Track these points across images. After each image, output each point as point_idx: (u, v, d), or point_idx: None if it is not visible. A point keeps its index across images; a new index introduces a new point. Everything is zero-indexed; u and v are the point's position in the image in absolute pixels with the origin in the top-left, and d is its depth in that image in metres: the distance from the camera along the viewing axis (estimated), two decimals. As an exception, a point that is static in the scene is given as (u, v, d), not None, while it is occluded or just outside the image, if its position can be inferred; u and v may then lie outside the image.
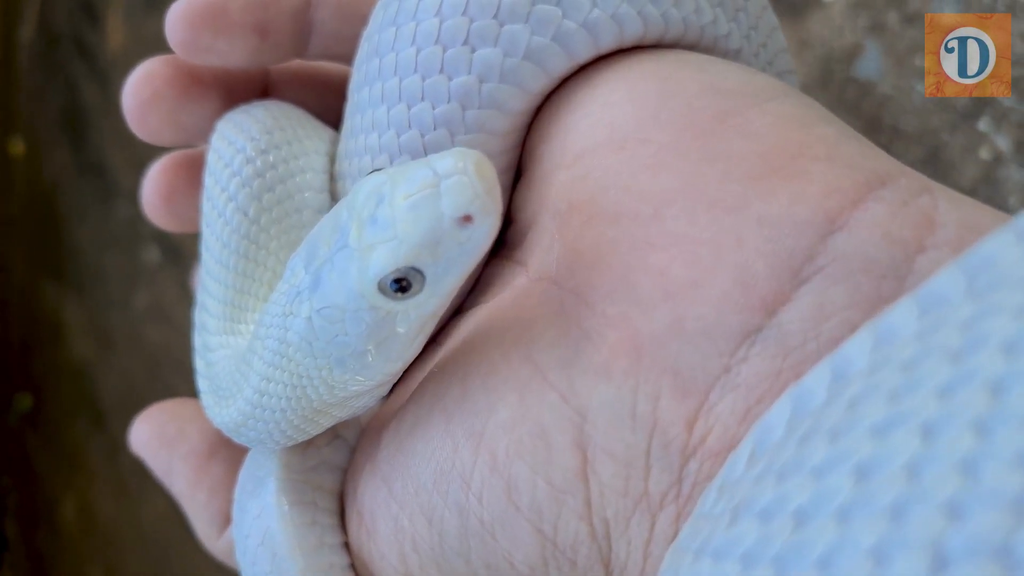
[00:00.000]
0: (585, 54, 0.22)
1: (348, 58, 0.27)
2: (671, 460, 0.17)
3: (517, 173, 0.24)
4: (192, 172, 0.28)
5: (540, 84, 0.22)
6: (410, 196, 0.18)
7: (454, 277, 0.18)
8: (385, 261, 0.18)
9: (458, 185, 0.17)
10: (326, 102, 0.29)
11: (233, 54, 0.25)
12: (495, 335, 0.20)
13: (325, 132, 0.27)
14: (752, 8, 0.24)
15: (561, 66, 0.22)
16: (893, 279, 0.16)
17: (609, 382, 0.18)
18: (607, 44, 0.22)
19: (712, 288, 0.17)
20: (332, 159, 0.26)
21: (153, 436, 0.27)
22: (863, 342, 0.14)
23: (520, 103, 0.22)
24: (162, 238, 0.89)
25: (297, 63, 0.29)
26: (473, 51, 0.22)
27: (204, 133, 0.27)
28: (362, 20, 0.25)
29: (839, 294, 0.16)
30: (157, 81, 0.26)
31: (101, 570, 1.11)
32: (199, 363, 0.24)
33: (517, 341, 0.20)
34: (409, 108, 0.23)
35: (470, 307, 0.23)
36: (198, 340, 0.25)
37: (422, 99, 0.22)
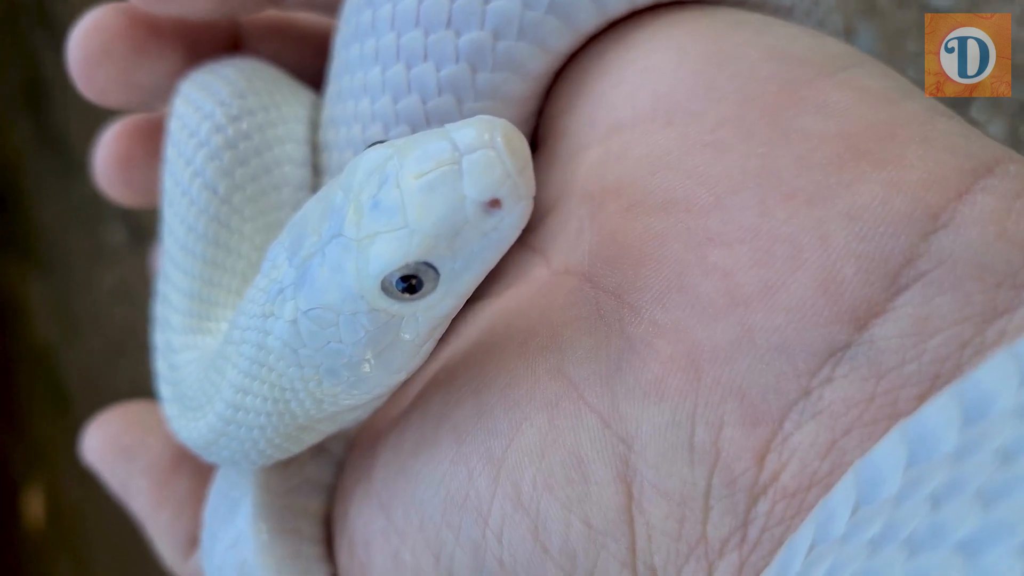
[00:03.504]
0: (619, 6, 0.18)
1: (332, 8, 0.23)
2: (736, 500, 0.14)
3: (532, 148, 0.21)
4: (152, 139, 0.24)
5: (565, 42, 0.19)
6: (424, 175, 0.14)
7: (474, 274, 0.15)
8: (391, 255, 0.15)
9: (484, 162, 0.14)
10: (305, 60, 0.25)
11: (197, 2, 0.22)
12: (514, 339, 0.17)
13: (305, 95, 0.23)
14: None
15: (591, 20, 0.19)
16: (1010, 288, 0.14)
17: (661, 404, 0.15)
18: None
19: (790, 294, 0.14)
20: (314, 127, 0.23)
21: (108, 446, 0.24)
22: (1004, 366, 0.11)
23: (541, 64, 0.19)
24: (128, 216, 0.85)
25: (271, 14, 0.25)
26: (487, 2, 0.18)
27: (163, 95, 0.23)
28: None
29: (945, 305, 0.14)
30: (107, 33, 0.22)
31: (70, 559, 1.08)
32: (161, 365, 0.21)
33: (544, 349, 0.17)
34: (409, 69, 0.19)
35: (478, 297, 0.20)
36: (160, 338, 0.21)
37: (425, 59, 0.19)
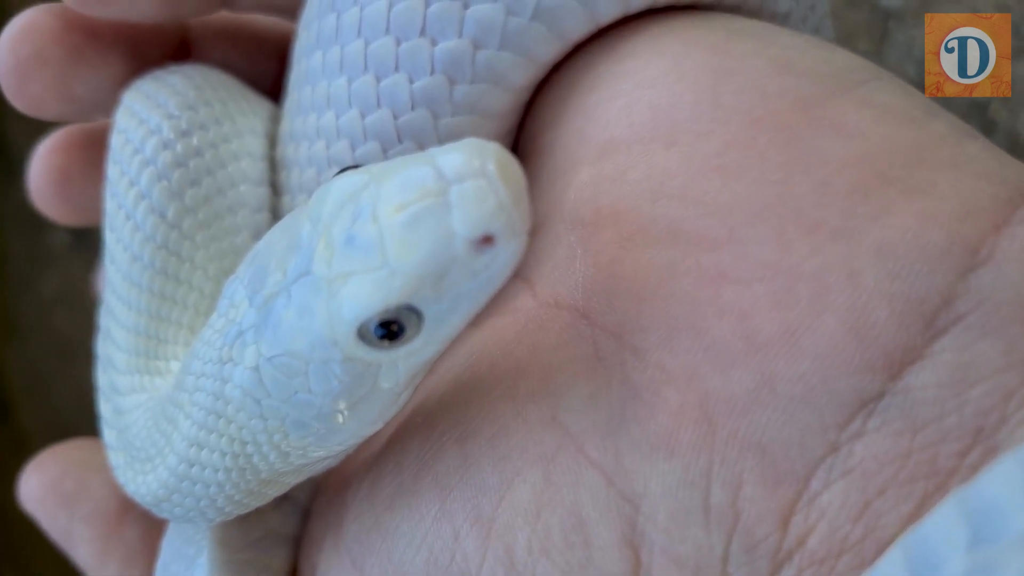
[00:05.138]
0: (610, 12, 0.17)
1: (291, 10, 0.21)
2: (757, 568, 0.13)
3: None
4: (93, 152, 0.22)
5: (552, 51, 0.17)
6: (405, 207, 0.13)
7: (461, 317, 0.14)
8: (368, 299, 0.13)
9: (475, 193, 0.12)
10: (261, 67, 0.23)
11: (139, 4, 0.19)
12: (501, 381, 0.16)
13: (262, 106, 0.21)
14: None
15: (580, 28, 0.17)
16: None
17: (671, 460, 0.14)
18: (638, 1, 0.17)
19: (815, 339, 0.13)
20: (272, 141, 0.21)
21: (47, 491, 0.22)
22: None
23: (524, 76, 0.17)
24: (71, 217, 0.82)
25: (223, 16, 0.23)
26: (466, 7, 0.17)
27: (105, 107, 0.21)
28: None
29: (988, 351, 0.13)
30: (42, 37, 0.20)
31: (13, 571, 1.04)
32: (105, 408, 0.19)
33: (536, 394, 0.15)
34: (378, 80, 0.17)
35: None
36: (103, 379, 0.19)
37: (396, 69, 0.17)
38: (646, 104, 0.16)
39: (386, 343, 0.13)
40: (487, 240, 0.13)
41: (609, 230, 0.15)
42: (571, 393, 0.15)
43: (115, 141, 0.19)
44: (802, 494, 0.13)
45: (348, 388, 0.14)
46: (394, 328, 0.13)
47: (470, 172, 0.12)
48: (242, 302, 0.15)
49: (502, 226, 0.12)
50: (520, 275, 0.17)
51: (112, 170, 0.19)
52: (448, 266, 0.13)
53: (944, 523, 0.11)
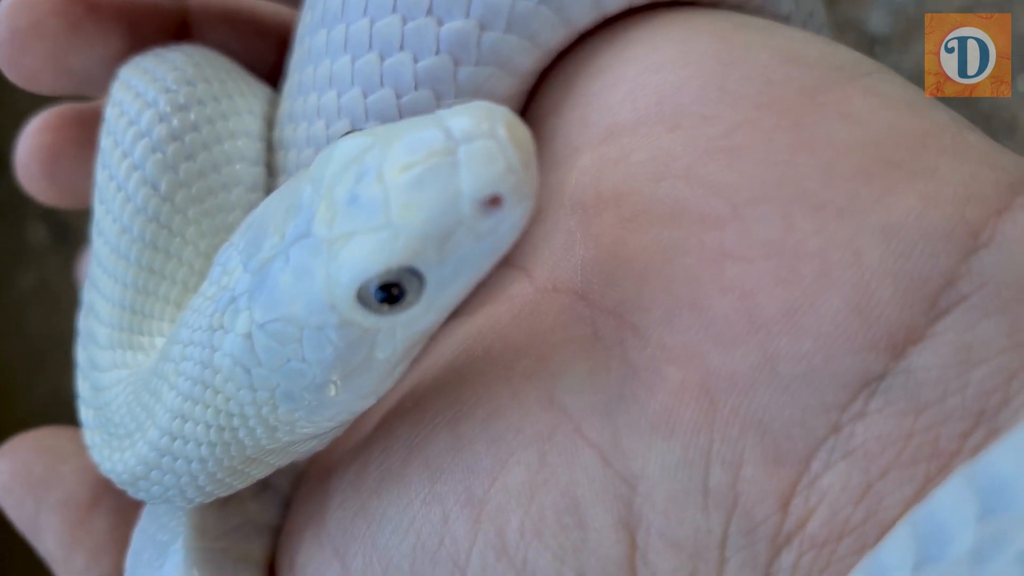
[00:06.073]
0: (616, 1, 0.17)
1: (294, -7, 0.21)
2: (756, 551, 0.13)
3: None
4: (84, 132, 0.22)
5: (558, 37, 0.17)
6: (412, 167, 0.12)
7: (463, 284, 0.13)
8: (370, 259, 0.13)
9: (484, 153, 0.12)
10: (258, 54, 0.23)
11: None
12: (497, 362, 0.15)
13: (260, 88, 0.21)
14: None
15: (586, 14, 0.17)
16: None
17: (671, 439, 0.13)
18: None
19: (818, 317, 0.13)
20: (269, 124, 0.21)
21: (15, 478, 0.21)
22: None
23: (530, 61, 0.17)
24: (49, 215, 0.81)
25: (224, 0, 0.23)
26: (473, -13, 0.16)
27: (100, 84, 0.21)
28: None
29: (990, 332, 0.13)
30: (40, 8, 0.20)
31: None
32: (83, 386, 0.18)
33: (532, 374, 0.15)
34: (382, 59, 0.17)
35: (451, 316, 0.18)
36: (82, 355, 0.19)
37: (401, 48, 0.17)
38: (651, 89, 0.16)
39: (385, 307, 0.13)
40: (494, 202, 0.12)
41: (610, 212, 0.15)
42: (568, 373, 0.14)
43: (110, 113, 0.19)
44: (803, 475, 0.13)
45: (343, 356, 0.14)
46: (395, 292, 0.13)
47: (480, 133, 0.12)
48: (236, 268, 0.14)
49: (510, 188, 0.12)
50: (516, 264, 0.17)
51: (105, 141, 0.19)
52: (453, 227, 0.12)
53: (952, 498, 0.11)
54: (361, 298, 0.13)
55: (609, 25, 0.17)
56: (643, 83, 0.16)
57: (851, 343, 0.13)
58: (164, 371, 0.16)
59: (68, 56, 0.20)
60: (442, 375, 0.16)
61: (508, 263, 0.17)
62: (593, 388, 0.14)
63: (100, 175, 0.19)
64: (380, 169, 0.13)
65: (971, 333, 0.12)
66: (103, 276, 0.18)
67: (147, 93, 0.19)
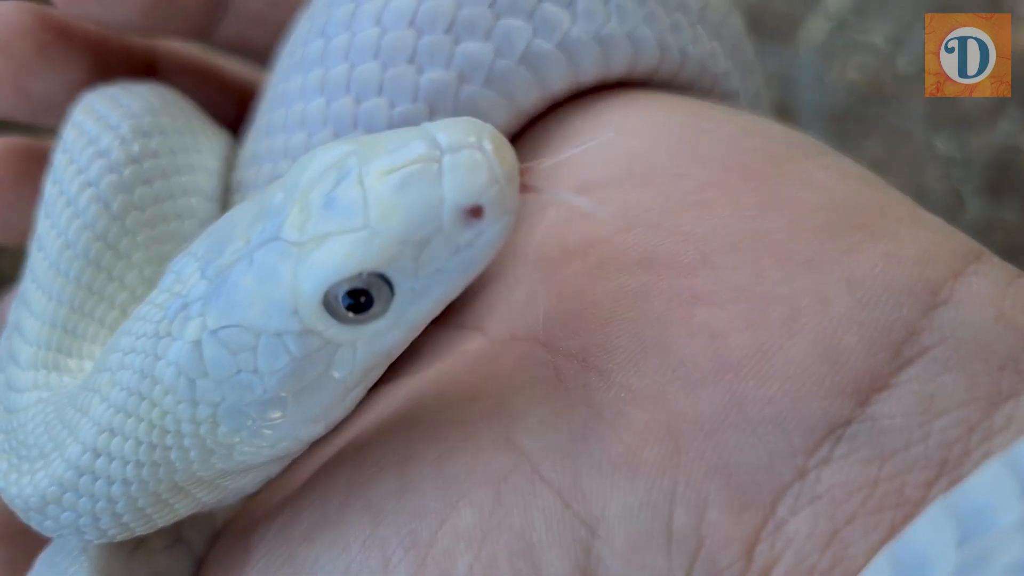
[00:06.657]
0: (592, 71, 0.18)
1: (264, 54, 0.22)
2: None
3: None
4: (29, 168, 0.21)
5: (533, 99, 0.18)
6: (395, 171, 0.12)
7: (432, 300, 0.13)
8: (344, 261, 0.12)
9: (469, 162, 0.12)
10: (219, 106, 0.23)
11: (125, 5, 0.19)
12: (452, 404, 0.15)
13: (221, 132, 0.21)
14: (743, 45, 0.21)
15: (562, 80, 0.18)
16: (1013, 372, 0.13)
17: (633, 481, 0.13)
18: (618, 67, 0.18)
19: (786, 361, 0.13)
20: (228, 165, 0.20)
21: None
22: None
23: (504, 118, 0.18)
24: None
25: (193, 51, 0.23)
26: (457, 42, 0.17)
27: (57, 112, 0.20)
28: (295, 5, 0.20)
29: (951, 385, 0.13)
30: (9, 29, 0.20)
31: None
32: None
33: (488, 415, 0.14)
34: (358, 103, 0.18)
35: (389, 378, 0.17)
36: None
37: (379, 93, 0.17)
38: (624, 150, 0.16)
39: (351, 315, 0.13)
40: (475, 212, 0.12)
41: (576, 262, 0.15)
42: (528, 413, 0.14)
43: (68, 134, 0.19)
44: (768, 520, 0.12)
45: (298, 369, 0.13)
46: (363, 300, 0.12)
47: (466, 144, 0.12)
48: (192, 275, 0.14)
49: (493, 199, 0.12)
50: (470, 325, 0.17)
51: (60, 158, 0.18)
52: (432, 234, 0.12)
53: (931, 526, 0.11)
54: (327, 304, 0.13)
55: (583, 98, 0.18)
56: (616, 144, 0.17)
57: (818, 388, 0.13)
58: (97, 382, 0.14)
59: (31, 79, 0.20)
60: (389, 420, 0.16)
61: (458, 326, 0.17)
62: (554, 428, 0.14)
63: (49, 190, 0.18)
64: (361, 173, 0.12)
65: (933, 384, 0.13)
66: (36, 292, 0.17)
67: (110, 116, 0.18)
